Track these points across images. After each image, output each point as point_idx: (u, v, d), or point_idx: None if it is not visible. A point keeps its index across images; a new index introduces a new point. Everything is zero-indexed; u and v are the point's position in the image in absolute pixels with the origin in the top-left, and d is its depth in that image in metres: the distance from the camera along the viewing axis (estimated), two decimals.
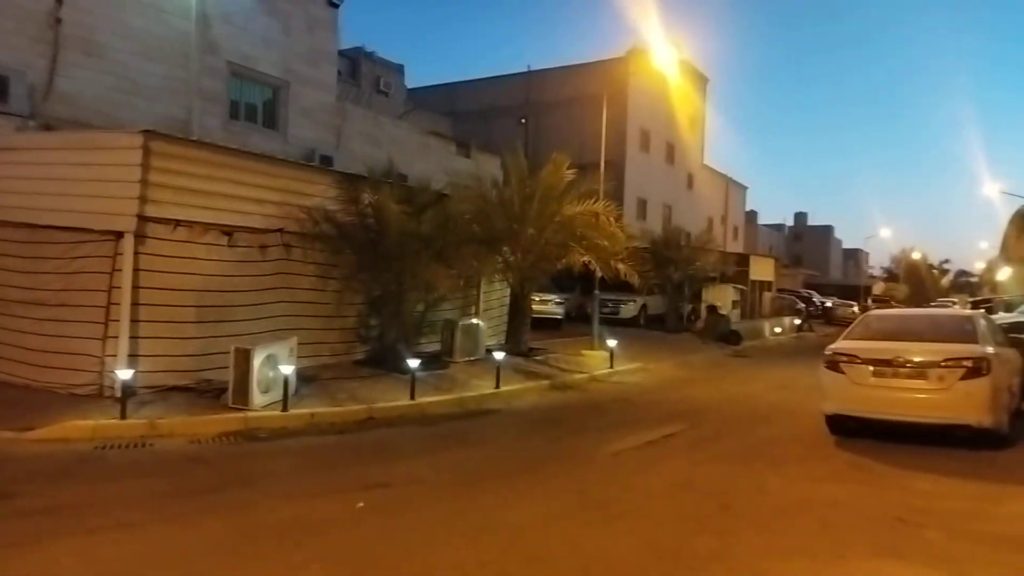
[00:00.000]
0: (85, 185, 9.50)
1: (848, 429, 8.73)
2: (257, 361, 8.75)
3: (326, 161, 18.12)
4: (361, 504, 5.82)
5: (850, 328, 9.80)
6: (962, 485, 6.74)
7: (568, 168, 15.10)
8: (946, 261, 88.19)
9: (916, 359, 8.17)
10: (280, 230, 10.91)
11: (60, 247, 9.46)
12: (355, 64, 26.75)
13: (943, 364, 8.02)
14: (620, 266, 15.72)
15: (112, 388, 8.71)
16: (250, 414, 8.63)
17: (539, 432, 9.59)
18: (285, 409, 8.90)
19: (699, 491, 6.50)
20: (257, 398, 8.80)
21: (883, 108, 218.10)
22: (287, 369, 9.04)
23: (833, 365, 8.69)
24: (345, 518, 5.48)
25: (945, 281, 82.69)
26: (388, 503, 5.95)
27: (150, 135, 9.39)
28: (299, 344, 10.03)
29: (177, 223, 9.62)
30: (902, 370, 8.19)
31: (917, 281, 70.04)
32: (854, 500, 6.21)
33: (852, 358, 8.55)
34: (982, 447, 7.98)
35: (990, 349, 8.30)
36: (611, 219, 15.72)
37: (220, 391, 9.09)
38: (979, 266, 65.20)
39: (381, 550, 4.86)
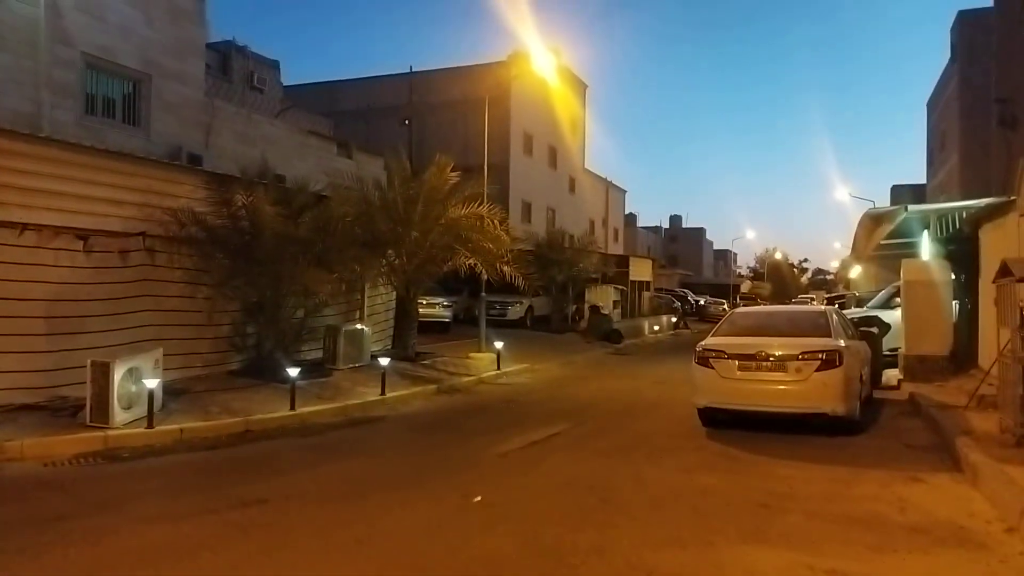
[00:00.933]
0: None
1: (718, 421, 9.20)
2: (117, 375, 8.14)
3: (194, 160, 17.15)
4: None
5: (718, 325, 10.34)
6: (820, 470, 7.24)
7: (452, 170, 15.06)
8: (805, 260, 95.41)
9: (776, 353, 8.72)
10: (143, 234, 10.23)
11: None
12: (226, 58, 25.50)
13: (800, 357, 8.60)
14: (506, 268, 15.85)
15: None
16: (111, 432, 8.02)
17: (425, 438, 9.49)
18: (151, 426, 8.33)
19: (581, 487, 6.64)
20: (118, 415, 8.19)
21: (748, 117, 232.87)
22: (152, 383, 8.47)
23: (703, 361, 9.14)
24: (216, 539, 5.18)
25: (804, 279, 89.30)
26: (265, 520, 5.67)
27: None
28: (166, 355, 9.43)
29: (24, 227, 8.84)
30: (764, 363, 8.72)
31: (780, 279, 75.31)
32: (723, 488, 6.53)
33: (720, 353, 9.01)
34: (837, 433, 8.62)
35: (842, 342, 8.98)
36: (496, 222, 15.82)
37: (77, 408, 8.40)
38: (834, 265, 70.79)
39: (253, 571, 4.63)
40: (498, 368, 15.40)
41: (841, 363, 8.56)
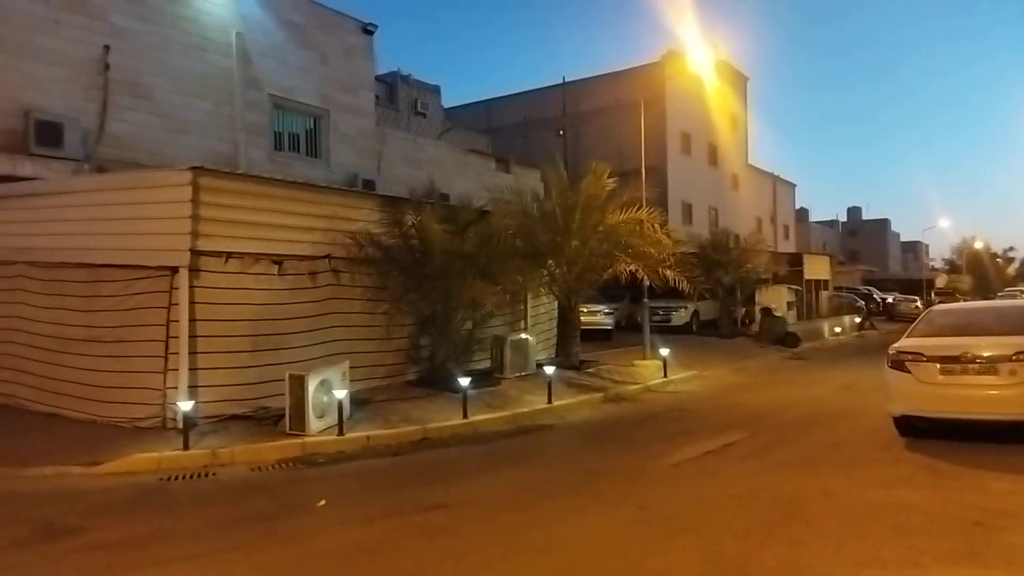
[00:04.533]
0: (139, 223, 9.79)
1: (918, 430, 8.38)
2: (311, 386, 8.85)
3: (368, 185, 18.37)
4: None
5: (914, 325, 9.45)
6: None
7: (609, 176, 14.96)
8: (1010, 249, 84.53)
9: (985, 354, 7.81)
10: (328, 256, 11.07)
11: (117, 285, 9.75)
12: (392, 88, 27.12)
13: (1015, 358, 7.65)
14: (668, 273, 15.45)
15: (174, 420, 8.92)
16: (307, 439, 8.73)
17: (594, 446, 9.46)
18: (341, 433, 8.98)
19: (764, 500, 6.30)
20: (313, 423, 8.90)
21: (932, 97, 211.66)
22: (341, 393, 9.13)
23: (898, 364, 8.36)
24: (404, 541, 5.47)
25: (1011, 270, 79.41)
26: (446, 524, 5.91)
27: (199, 171, 9.64)
28: (352, 367, 10.15)
29: (228, 255, 9.83)
30: (971, 366, 7.84)
31: (981, 271, 67.48)
32: (928, 504, 5.93)
33: (918, 356, 8.21)
34: None
35: None
36: (656, 225, 15.50)
37: (278, 418, 9.22)
38: None
39: (440, 572, 4.82)
40: (664, 375, 15.04)
41: None
